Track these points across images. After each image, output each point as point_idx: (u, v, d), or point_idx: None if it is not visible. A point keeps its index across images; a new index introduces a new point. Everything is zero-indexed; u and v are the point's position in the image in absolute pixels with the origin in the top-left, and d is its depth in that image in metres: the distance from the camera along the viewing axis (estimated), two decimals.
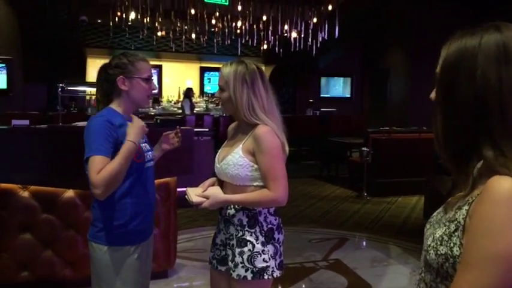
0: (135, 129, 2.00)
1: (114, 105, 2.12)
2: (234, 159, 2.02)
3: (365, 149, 7.22)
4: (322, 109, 12.38)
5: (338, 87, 14.34)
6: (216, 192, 2.04)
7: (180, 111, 10.88)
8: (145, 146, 2.14)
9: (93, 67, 12.72)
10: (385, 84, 12.94)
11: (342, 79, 14.29)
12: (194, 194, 2.02)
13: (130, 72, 2.09)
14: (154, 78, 14.25)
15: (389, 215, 6.27)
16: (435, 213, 1.10)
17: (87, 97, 11.73)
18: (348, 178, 8.37)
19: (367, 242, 5.15)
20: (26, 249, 3.48)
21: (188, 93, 10.92)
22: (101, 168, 1.88)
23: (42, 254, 3.53)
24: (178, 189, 3.92)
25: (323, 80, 14.01)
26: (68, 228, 3.57)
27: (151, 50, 11.41)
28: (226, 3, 8.78)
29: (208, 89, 13.59)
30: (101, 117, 2.01)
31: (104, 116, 2.02)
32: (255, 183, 2.01)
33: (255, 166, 1.99)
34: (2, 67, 10.00)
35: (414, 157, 7.43)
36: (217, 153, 2.17)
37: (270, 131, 1.99)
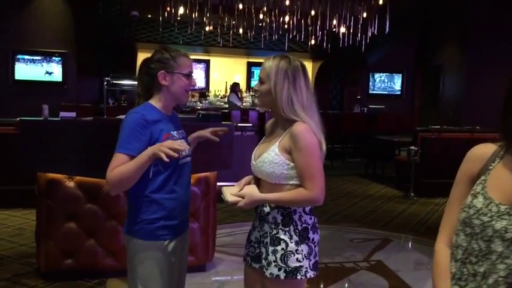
0: (158, 147, 1.90)
1: (153, 101, 2.12)
2: (270, 156, 1.98)
3: (413, 147, 7.00)
4: (370, 106, 12.10)
5: (388, 84, 13.98)
6: (251, 191, 2.01)
7: (227, 105, 10.93)
8: (182, 142, 2.14)
9: None
10: (437, 80, 12.48)
11: (392, 75, 13.91)
12: (229, 193, 2.00)
13: (171, 68, 2.08)
14: (202, 73, 14.46)
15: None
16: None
17: (105, 90, 12.06)
18: (395, 177, 8.16)
19: (412, 244, 4.99)
20: (71, 238, 3.59)
21: (234, 88, 10.94)
22: (117, 166, 1.92)
23: (86, 242, 3.63)
24: (218, 184, 3.93)
25: (372, 76, 13.69)
26: (110, 218, 3.66)
27: (199, 45, 11.50)
28: None
29: (255, 84, 13.59)
30: (136, 114, 2.02)
31: (139, 113, 2.02)
32: (290, 182, 1.97)
33: (291, 164, 1.95)
34: (58, 60, 10.39)
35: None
36: (254, 150, 2.14)
37: (307, 129, 1.94)
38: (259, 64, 13.66)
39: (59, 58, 10.40)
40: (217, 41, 10.59)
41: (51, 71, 10.44)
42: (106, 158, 3.50)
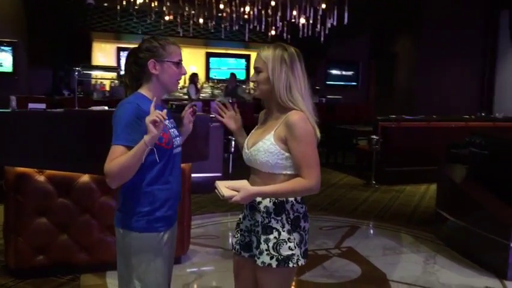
0: (149, 127, 1.84)
1: (144, 90, 2.09)
2: (265, 145, 1.99)
3: (374, 137, 7.19)
4: (328, 96, 12.31)
5: (345, 75, 14.25)
6: (245, 184, 2.01)
7: (186, 96, 10.82)
8: (173, 131, 2.11)
9: (99, 51, 12.66)
10: (392, 71, 12.84)
11: (348, 66, 14.19)
12: (224, 186, 1.98)
13: (161, 56, 2.05)
14: None
15: (399, 203, 6.26)
16: None
17: (93, 81, 11.75)
18: (355, 166, 8.36)
19: (378, 230, 5.14)
20: (42, 233, 3.48)
21: (193, 78, 10.84)
22: (116, 158, 1.88)
23: (58, 238, 3.53)
24: (193, 175, 3.91)
25: (330, 66, 13.91)
26: (83, 212, 3.57)
27: (158, 35, 11.29)
28: None
29: (214, 75, 13.52)
30: (130, 104, 1.97)
31: (133, 103, 1.98)
32: (284, 172, 1.98)
33: (286, 154, 1.96)
34: (8, 50, 9.95)
35: (423, 146, 7.41)
36: (246, 139, 2.15)
37: (303, 118, 1.96)
38: (218, 55, 13.60)
39: (9, 47, 9.96)
40: (176, 30, 10.45)
41: (0, 61, 9.98)
42: (78, 150, 3.42)
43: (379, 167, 7.29)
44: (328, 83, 13.88)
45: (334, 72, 14.06)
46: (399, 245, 4.61)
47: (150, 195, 2.01)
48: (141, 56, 2.06)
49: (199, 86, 11.29)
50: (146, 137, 1.84)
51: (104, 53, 12.75)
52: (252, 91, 11.84)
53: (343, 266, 3.99)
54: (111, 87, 11.61)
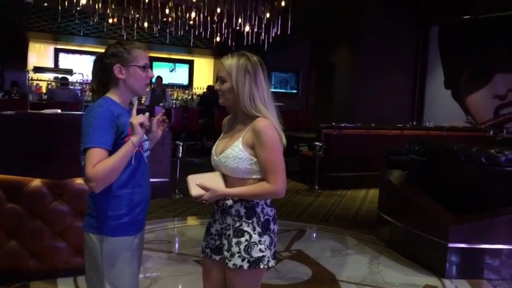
0: (136, 128, 1.93)
1: (111, 95, 2.10)
2: (234, 152, 2.06)
3: (318, 143, 7.44)
4: None
5: (286, 82, 14.57)
6: (215, 181, 2.07)
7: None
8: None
9: (35, 52, 12.18)
10: (331, 78, 13.28)
11: (289, 74, 14.53)
12: (194, 183, 2.04)
13: (126, 61, 2.08)
14: None
15: (342, 207, 6.52)
16: None
17: (28, 83, 11.28)
18: (298, 172, 8.58)
19: (325, 233, 5.34)
20: None
21: None
22: (98, 161, 1.87)
23: (7, 244, 3.41)
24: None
25: (272, 74, 14.18)
26: (34, 218, 3.47)
27: (100, 37, 11.08)
28: None
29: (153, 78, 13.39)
30: (101, 108, 1.99)
31: (104, 106, 1.99)
32: (253, 176, 2.06)
33: (255, 159, 2.04)
34: None
35: (363, 152, 7.75)
36: (214, 146, 2.21)
37: (269, 125, 2.05)
38: (163, 59, 13.48)
39: None
40: (119, 33, 10.27)
41: None
42: (30, 154, 3.35)
43: (322, 172, 7.55)
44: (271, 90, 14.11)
45: (276, 79, 14.34)
46: (345, 247, 4.81)
47: (121, 198, 2.03)
48: (107, 62, 2.08)
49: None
50: (133, 138, 1.87)
51: (40, 54, 12.29)
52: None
53: (294, 268, 4.12)
54: (47, 89, 11.21)
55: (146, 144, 2.18)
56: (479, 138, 8.73)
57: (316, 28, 12.43)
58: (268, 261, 2.09)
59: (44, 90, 11.54)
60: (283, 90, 14.45)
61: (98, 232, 2.02)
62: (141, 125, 1.88)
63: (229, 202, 2.09)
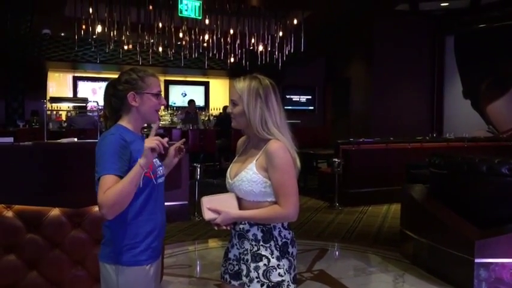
0: (146, 152, 1.90)
1: (124, 122, 2.10)
2: (248, 175, 2.03)
3: (336, 160, 7.37)
4: (287, 121, 12.49)
5: (302, 100, 14.57)
6: (229, 203, 2.04)
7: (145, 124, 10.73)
8: (156, 161, 2.13)
9: (54, 81, 12.43)
10: (346, 95, 13.25)
11: (305, 91, 14.53)
12: (207, 207, 2.02)
13: (140, 88, 2.08)
14: None
15: (363, 224, 6.41)
16: None
17: (48, 112, 11.48)
18: (318, 189, 8.50)
19: (347, 252, 5.24)
20: (11, 271, 3.35)
21: None
22: (109, 187, 1.86)
23: (27, 275, 3.40)
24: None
25: (287, 92, 14.21)
26: (54, 248, 3.46)
27: (116, 64, 11.26)
28: (200, 17, 8.78)
29: (172, 102, 13.51)
30: (113, 136, 1.99)
31: (116, 134, 2.00)
32: (269, 199, 2.03)
33: (269, 182, 2.01)
34: None
35: (383, 167, 7.65)
36: (229, 169, 2.19)
37: (282, 147, 2.02)
38: (176, 82, 13.63)
39: None
40: (134, 59, 10.42)
41: None
42: (48, 183, 3.35)
43: (341, 189, 7.46)
44: (286, 107, 14.11)
45: (292, 97, 14.35)
46: (368, 265, 4.71)
47: (135, 226, 2.01)
48: (120, 89, 2.08)
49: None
50: (141, 161, 1.86)
51: (59, 83, 12.53)
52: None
53: None
54: (67, 117, 11.39)
55: (160, 170, 2.16)
56: (502, 148, 8.56)
57: (329, 45, 12.46)
58: (288, 285, 2.04)
59: (64, 118, 11.72)
60: (300, 108, 14.44)
61: (113, 262, 2.00)
62: (153, 149, 1.87)
63: (246, 226, 2.06)
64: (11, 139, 3.51)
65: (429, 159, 4.91)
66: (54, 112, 11.57)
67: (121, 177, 1.89)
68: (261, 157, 2.04)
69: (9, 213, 3.34)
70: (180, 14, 8.49)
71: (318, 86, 14.42)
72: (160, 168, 2.18)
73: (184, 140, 2.46)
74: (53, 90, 12.15)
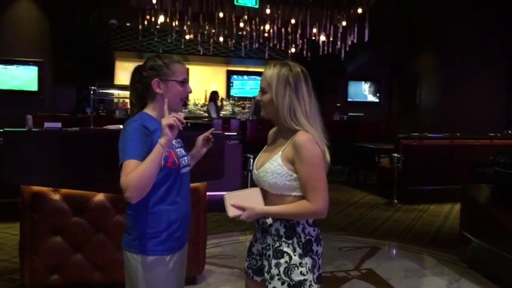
0: (165, 130, 1.82)
1: (148, 110, 2.06)
2: (273, 167, 1.93)
3: (395, 155, 7.05)
4: (349, 114, 12.19)
5: (366, 92, 14.14)
6: (254, 199, 1.95)
7: (206, 114, 10.86)
8: (180, 151, 2.07)
9: (122, 70, 12.86)
10: (414, 88, 12.70)
11: (370, 83, 14.09)
12: (230, 203, 1.93)
13: (165, 75, 2.02)
14: None
15: (422, 223, 6.09)
16: None
17: (115, 100, 11.91)
18: (377, 184, 8.20)
19: (400, 252, 4.99)
20: (57, 253, 3.47)
21: (213, 96, 10.85)
22: (131, 170, 1.82)
23: (72, 257, 3.51)
24: (208, 193, 3.87)
25: (351, 84, 13.83)
26: (98, 232, 3.55)
27: (179, 53, 11.43)
28: (257, 6, 8.72)
29: (234, 92, 13.57)
30: (136, 122, 1.95)
31: (138, 121, 1.95)
32: (293, 193, 1.91)
33: (295, 175, 1.90)
34: (34, 69, 10.16)
35: (447, 164, 7.24)
36: (256, 159, 2.09)
37: (310, 139, 1.89)
38: (238, 72, 13.66)
39: (35, 67, 10.17)
40: (196, 49, 10.54)
41: (26, 79, 10.20)
42: (93, 169, 3.42)
43: (401, 185, 7.13)
44: (349, 100, 13.78)
45: (355, 89, 13.96)
46: (421, 267, 4.45)
47: (157, 215, 1.96)
48: (145, 75, 2.04)
49: (219, 104, 11.32)
50: (162, 140, 1.81)
51: (126, 72, 12.94)
52: None
53: None
54: None
55: (185, 160, 2.10)
56: None
57: (396, 35, 11.96)
58: (310, 285, 1.92)
59: (129, 106, 12.12)
60: (364, 100, 14.03)
61: (133, 250, 1.98)
62: (171, 126, 1.80)
63: (269, 221, 1.96)
64: (59, 124, 3.61)
65: (494, 157, 4.55)
66: (121, 100, 11.97)
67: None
68: (287, 148, 1.93)
69: (56, 196, 3.45)
70: (236, 3, 8.45)
71: (385, 78, 13.92)
72: (185, 158, 2.11)
73: (213, 129, 2.39)
74: (120, 79, 12.57)
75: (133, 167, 1.82)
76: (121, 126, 4.17)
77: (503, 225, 3.99)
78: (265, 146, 2.14)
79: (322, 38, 9.82)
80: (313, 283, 1.93)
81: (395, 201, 7.08)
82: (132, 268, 1.99)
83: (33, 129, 3.55)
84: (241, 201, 1.94)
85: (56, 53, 10.24)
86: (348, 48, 9.98)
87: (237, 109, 12.57)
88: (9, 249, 4.56)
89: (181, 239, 2.08)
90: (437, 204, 7.08)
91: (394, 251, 5.09)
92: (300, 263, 1.91)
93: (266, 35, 9.57)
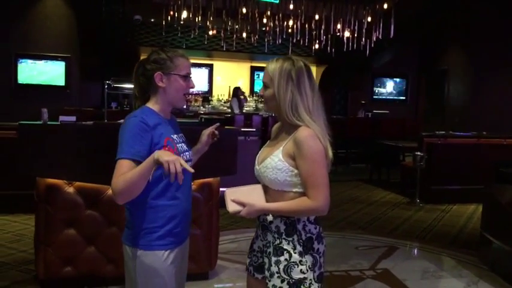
0: (166, 157, 1.68)
1: (151, 104, 2.04)
2: (273, 162, 1.89)
3: (418, 153, 6.91)
4: (374, 111, 12.01)
5: (392, 89, 13.90)
6: (254, 195, 1.91)
7: (229, 110, 10.86)
8: (181, 146, 2.05)
9: None
10: (442, 86, 12.41)
11: (396, 80, 13.84)
12: (230, 199, 1.90)
13: (168, 69, 2.00)
14: (206, 77, 14.37)
15: (443, 224, 5.95)
16: None
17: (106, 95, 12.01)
18: (400, 183, 8.06)
19: (419, 252, 4.89)
20: (70, 245, 3.51)
21: (236, 92, 10.84)
22: (123, 173, 1.80)
23: (85, 249, 3.55)
24: (221, 189, 3.86)
25: (376, 81, 13.62)
26: (111, 225, 3.58)
27: (202, 49, 11.46)
28: (277, 2, 8.65)
29: (258, 88, 13.54)
30: (135, 118, 1.93)
31: (138, 117, 1.93)
32: (294, 189, 1.88)
33: (295, 171, 1.86)
34: (61, 65, 10.36)
35: (472, 163, 7.04)
36: (258, 154, 2.06)
37: (312, 135, 1.85)
38: (262, 68, 13.57)
39: (62, 62, 10.36)
40: (220, 45, 10.54)
41: (54, 75, 10.40)
42: (106, 163, 3.43)
43: (423, 184, 6.98)
44: (375, 97, 13.58)
45: (381, 86, 13.74)
46: (439, 268, 4.34)
47: (154, 211, 1.95)
48: (149, 68, 2.02)
49: (242, 99, 11.30)
50: (156, 154, 1.71)
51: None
52: None
53: None
54: None
55: (186, 155, 2.08)
56: None
57: (422, 32, 11.71)
58: (310, 284, 1.88)
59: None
60: (390, 97, 13.79)
61: (131, 244, 1.97)
62: (165, 164, 1.66)
63: (270, 218, 1.93)
64: (73, 118, 3.65)
65: None
66: None
67: (137, 162, 1.83)
68: (288, 144, 1.89)
69: (70, 189, 3.50)
70: None
71: (411, 75, 13.65)
72: (187, 153, 2.09)
73: (218, 124, 2.36)
74: None
75: (125, 169, 1.81)
76: None
77: None
78: (268, 141, 2.11)
79: (347, 34, 9.68)
80: (313, 281, 1.89)
81: (418, 200, 6.94)
82: (130, 262, 1.98)
83: (47, 123, 3.60)
84: (242, 197, 1.91)
85: (83, 48, 10.41)
86: (373, 45, 9.81)
87: (260, 105, 12.54)
88: (28, 240, 4.65)
89: (182, 235, 2.06)
90: (461, 205, 6.90)
91: (413, 252, 4.98)
92: (300, 261, 1.88)
93: (289, 30, 9.49)
